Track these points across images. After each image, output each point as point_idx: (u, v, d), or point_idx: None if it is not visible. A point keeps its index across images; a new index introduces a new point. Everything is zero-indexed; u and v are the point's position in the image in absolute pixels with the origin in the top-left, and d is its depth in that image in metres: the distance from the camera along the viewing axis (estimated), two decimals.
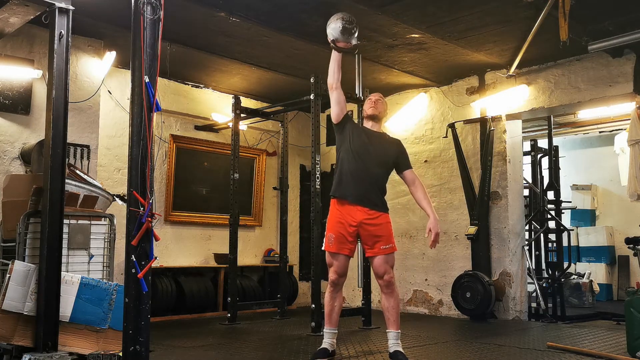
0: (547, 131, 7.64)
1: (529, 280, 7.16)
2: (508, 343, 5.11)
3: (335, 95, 4.34)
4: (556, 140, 8.07)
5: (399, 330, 4.23)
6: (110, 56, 6.14)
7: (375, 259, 4.24)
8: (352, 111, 8.33)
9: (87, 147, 5.97)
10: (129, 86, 3.32)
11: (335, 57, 4.29)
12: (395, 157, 4.40)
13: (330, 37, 4.23)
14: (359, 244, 4.49)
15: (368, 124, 4.49)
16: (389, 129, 8.03)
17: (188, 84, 7.56)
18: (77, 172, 4.83)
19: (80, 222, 4.18)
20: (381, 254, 4.21)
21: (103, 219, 4.34)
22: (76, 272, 4.03)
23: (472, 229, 6.92)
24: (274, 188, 7.65)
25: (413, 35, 5.99)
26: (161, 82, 6.90)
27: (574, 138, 10.27)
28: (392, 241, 4.28)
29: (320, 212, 5.76)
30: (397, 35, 6.00)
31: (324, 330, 4.36)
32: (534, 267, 7.32)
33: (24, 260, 3.88)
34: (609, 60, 6.25)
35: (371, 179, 4.28)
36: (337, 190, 4.31)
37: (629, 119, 6.24)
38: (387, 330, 4.25)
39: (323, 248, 4.34)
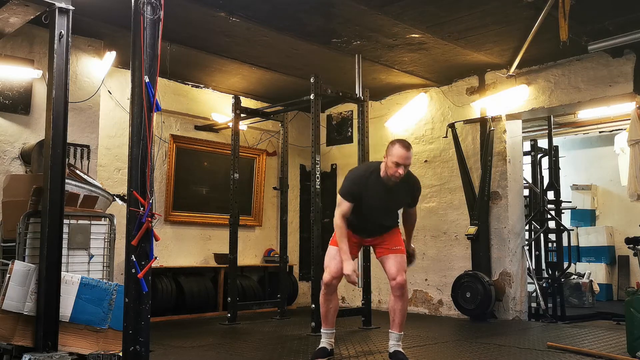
0: (547, 131, 7.64)
1: (529, 280, 7.16)
2: (508, 343, 5.11)
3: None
4: (556, 140, 8.06)
5: (402, 333, 4.24)
6: (110, 56, 6.13)
7: (387, 260, 4.24)
8: (351, 111, 8.40)
9: (87, 147, 5.96)
10: (129, 86, 3.32)
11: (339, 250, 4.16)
12: (410, 198, 4.37)
13: None
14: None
15: (389, 182, 4.12)
16: (389, 129, 8.05)
17: (188, 84, 7.56)
18: (77, 172, 4.83)
19: (80, 222, 4.18)
20: (393, 253, 4.24)
21: (103, 219, 4.34)
22: (76, 272, 4.03)
23: (472, 229, 6.92)
24: (274, 188, 7.65)
25: (413, 35, 5.99)
26: (161, 82, 6.90)
27: (574, 138, 10.26)
28: (402, 244, 4.33)
29: (320, 212, 5.76)
30: (397, 35, 6.00)
31: (322, 330, 4.38)
32: (534, 267, 7.32)
33: (24, 260, 3.88)
34: (609, 60, 6.25)
35: (384, 220, 4.32)
36: (348, 225, 4.23)
37: (629, 119, 6.24)
38: (389, 331, 4.25)
39: (330, 243, 4.31)
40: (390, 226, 4.35)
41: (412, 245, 4.51)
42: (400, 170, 4.01)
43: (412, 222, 4.54)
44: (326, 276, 4.26)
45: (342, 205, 4.15)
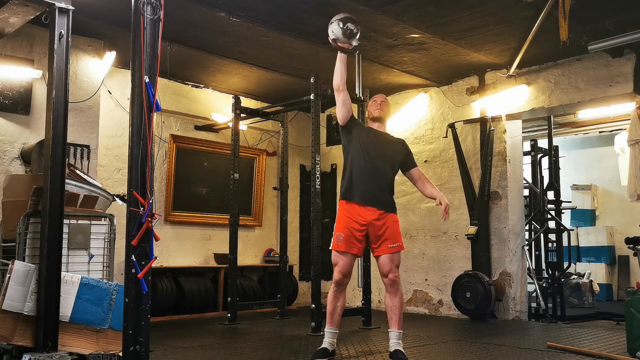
0: (547, 131, 7.64)
1: (529, 280, 7.16)
2: (508, 343, 5.11)
3: (341, 97, 4.37)
4: (556, 140, 8.07)
5: (401, 331, 4.24)
6: (110, 56, 6.14)
7: (381, 257, 4.26)
8: None
9: (87, 147, 5.96)
10: (129, 86, 3.32)
11: (340, 58, 4.31)
12: (402, 156, 4.48)
13: (331, 37, 4.24)
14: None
15: (374, 125, 4.54)
16: (389, 129, 8.03)
17: (188, 84, 7.56)
18: (77, 172, 4.83)
19: (80, 222, 4.18)
20: (387, 253, 4.24)
21: (103, 219, 4.34)
22: (76, 272, 4.03)
23: (472, 229, 6.92)
24: (274, 188, 7.65)
25: (413, 35, 5.99)
26: (161, 82, 6.90)
27: (574, 138, 10.27)
28: (400, 240, 4.32)
29: (320, 212, 5.76)
30: (397, 35, 6.00)
31: (325, 329, 4.37)
32: (534, 267, 7.32)
33: (24, 260, 3.88)
34: (609, 60, 6.25)
35: (382, 179, 4.33)
36: (347, 192, 4.33)
37: (629, 119, 6.24)
38: (389, 330, 4.25)
39: (331, 247, 4.32)
40: (387, 202, 4.31)
41: (440, 194, 4.49)
42: (378, 102, 4.52)
43: (427, 182, 4.58)
44: (336, 275, 4.27)
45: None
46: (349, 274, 4.29)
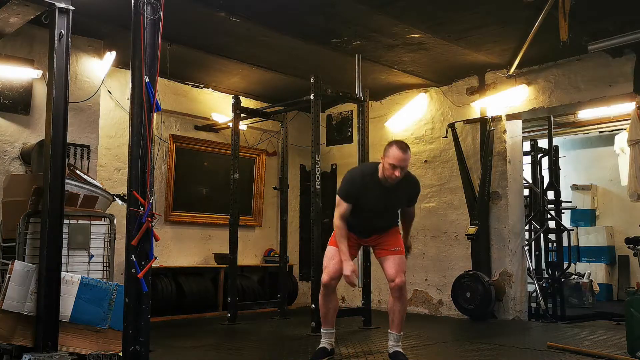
0: (547, 131, 7.64)
1: (529, 280, 7.16)
2: (508, 343, 5.11)
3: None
4: (556, 140, 8.07)
5: (401, 333, 4.24)
6: (110, 56, 6.13)
7: (387, 261, 4.23)
8: (351, 111, 8.40)
9: (87, 147, 5.96)
10: (129, 86, 3.33)
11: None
12: (407, 199, 4.36)
13: None
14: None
15: (384, 181, 4.10)
16: (389, 129, 8.05)
17: (188, 84, 7.56)
18: (77, 172, 4.83)
19: (80, 222, 4.18)
20: (392, 255, 4.22)
21: (103, 219, 4.34)
22: (76, 272, 4.03)
23: (472, 229, 6.92)
24: (274, 188, 7.64)
25: (413, 35, 5.99)
26: (161, 82, 6.89)
27: (574, 138, 10.27)
28: (401, 245, 4.32)
29: (320, 212, 5.76)
30: (397, 35, 6.00)
31: (322, 330, 4.38)
32: (534, 267, 7.32)
33: (24, 260, 3.88)
34: (609, 60, 6.25)
35: (383, 220, 4.32)
36: (348, 227, 4.23)
37: (629, 119, 6.24)
38: (389, 331, 4.25)
39: (329, 243, 4.32)
40: (388, 226, 4.35)
41: (408, 241, 4.51)
42: (397, 173, 3.98)
43: (410, 221, 4.55)
44: (325, 277, 4.25)
45: (341, 206, 4.14)
46: (338, 277, 4.24)
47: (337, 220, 4.14)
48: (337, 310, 4.42)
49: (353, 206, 4.13)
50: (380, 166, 4.10)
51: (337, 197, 4.20)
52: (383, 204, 4.20)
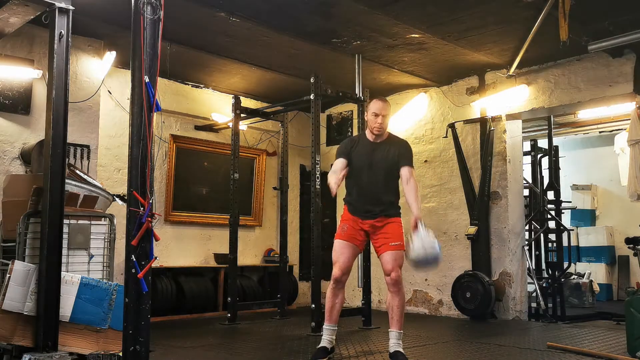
0: (547, 131, 7.64)
1: (529, 280, 7.16)
2: (508, 343, 5.11)
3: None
4: (556, 140, 8.07)
5: (402, 331, 4.23)
6: (110, 56, 6.14)
7: (384, 255, 4.26)
8: (351, 111, 8.40)
9: (87, 147, 5.97)
10: (129, 86, 3.32)
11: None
12: (397, 156, 4.35)
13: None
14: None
15: (371, 137, 4.42)
16: (389, 129, 8.03)
17: (188, 84, 7.56)
18: (77, 172, 4.83)
19: (80, 222, 4.18)
20: (390, 250, 4.24)
21: (103, 219, 4.33)
22: (76, 272, 4.03)
23: (472, 229, 6.92)
24: (274, 188, 7.65)
25: (413, 35, 5.99)
26: (161, 82, 6.90)
27: (574, 138, 10.27)
28: (402, 239, 4.31)
29: (320, 212, 5.76)
30: (397, 35, 6.00)
31: (324, 326, 4.37)
32: (534, 267, 7.32)
33: (24, 260, 3.88)
34: (609, 60, 6.25)
35: (381, 191, 4.33)
36: (350, 207, 4.41)
37: (629, 119, 6.24)
38: (389, 330, 4.25)
39: (335, 237, 4.37)
40: (389, 203, 4.33)
41: (417, 212, 4.09)
42: (379, 120, 4.28)
43: (412, 189, 4.22)
44: (336, 271, 4.27)
45: (337, 163, 4.33)
46: (348, 271, 4.30)
47: (333, 169, 4.29)
48: (342, 306, 4.42)
49: (349, 170, 4.30)
50: (367, 125, 4.42)
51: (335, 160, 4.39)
52: (376, 162, 4.32)
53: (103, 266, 4.26)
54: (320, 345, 4.28)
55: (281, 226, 7.23)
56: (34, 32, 5.60)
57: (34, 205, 4.01)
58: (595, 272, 9.50)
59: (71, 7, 3.96)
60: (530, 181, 7.68)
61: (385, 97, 4.44)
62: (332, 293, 4.31)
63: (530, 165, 7.72)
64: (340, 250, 4.30)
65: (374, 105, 4.35)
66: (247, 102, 7.60)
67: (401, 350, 4.18)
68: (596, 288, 8.88)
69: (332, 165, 4.44)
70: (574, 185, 10.38)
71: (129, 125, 3.25)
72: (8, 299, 3.67)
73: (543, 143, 7.82)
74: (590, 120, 8.62)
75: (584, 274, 9.05)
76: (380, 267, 4.41)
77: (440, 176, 7.56)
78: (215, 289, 7.29)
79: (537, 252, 7.52)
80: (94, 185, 4.60)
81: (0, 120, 5.52)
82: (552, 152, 7.54)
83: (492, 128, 7.01)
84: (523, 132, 7.53)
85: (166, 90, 7.24)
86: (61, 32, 3.91)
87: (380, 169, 4.33)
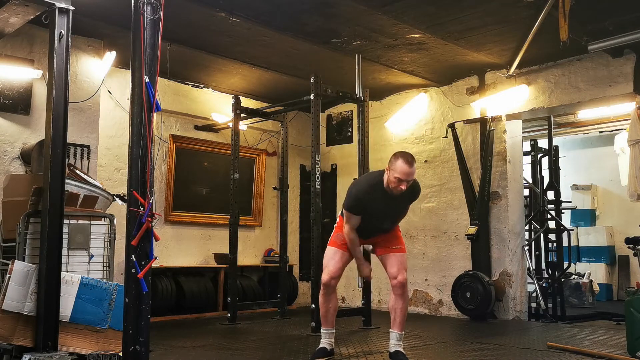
0: (547, 131, 7.64)
1: (529, 280, 7.16)
2: (508, 343, 5.11)
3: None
4: (556, 140, 8.07)
5: (403, 332, 4.24)
6: (110, 56, 6.13)
7: (388, 258, 4.26)
8: (351, 111, 8.40)
9: (87, 147, 5.96)
10: (129, 86, 3.33)
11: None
12: (409, 201, 4.33)
13: None
14: None
15: (388, 190, 4.10)
16: (389, 129, 8.05)
17: (188, 84, 7.56)
18: (77, 172, 4.83)
19: (80, 222, 4.18)
20: (393, 252, 4.25)
21: (103, 219, 4.34)
22: (76, 272, 4.03)
23: (472, 229, 6.92)
24: (274, 188, 7.64)
25: (413, 35, 5.99)
26: (161, 82, 6.90)
27: (574, 138, 10.27)
28: (402, 244, 4.34)
29: (320, 212, 5.76)
30: (397, 35, 6.00)
31: (322, 330, 4.39)
32: (534, 267, 7.32)
33: (24, 260, 3.88)
34: (609, 60, 6.25)
35: (387, 226, 4.32)
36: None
37: (629, 119, 6.24)
38: (390, 330, 4.25)
39: (328, 244, 4.37)
40: (392, 228, 4.37)
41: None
42: (403, 186, 3.98)
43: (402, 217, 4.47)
44: (325, 277, 4.28)
45: (351, 220, 4.16)
46: (338, 277, 4.31)
47: (349, 233, 4.18)
48: (337, 310, 4.43)
49: (364, 212, 4.16)
50: (385, 176, 4.08)
51: (345, 211, 4.18)
52: (388, 211, 4.22)
53: (103, 266, 4.26)
54: (320, 346, 4.30)
55: (281, 226, 7.23)
56: (34, 32, 5.60)
57: (34, 205, 4.02)
58: (595, 272, 9.50)
59: (71, 7, 3.96)
60: (530, 181, 7.68)
61: (412, 157, 4.00)
62: (324, 299, 4.33)
63: (530, 165, 7.72)
64: (331, 255, 4.30)
65: (401, 169, 3.94)
66: (247, 102, 7.60)
67: (401, 350, 4.19)
68: (596, 288, 8.88)
69: (341, 212, 4.25)
70: (574, 185, 10.38)
71: (129, 125, 3.25)
72: (8, 299, 3.67)
73: (543, 143, 7.82)
74: (590, 120, 8.62)
75: (584, 274, 9.05)
76: (380, 267, 4.42)
77: (440, 176, 7.56)
78: (215, 289, 7.29)
79: (537, 252, 7.52)
80: (94, 185, 4.60)
81: (0, 120, 5.52)
82: (552, 152, 7.54)
83: (492, 128, 7.01)
84: (523, 132, 7.53)
85: (166, 90, 7.24)
86: (61, 32, 3.91)
87: (391, 215, 4.29)
